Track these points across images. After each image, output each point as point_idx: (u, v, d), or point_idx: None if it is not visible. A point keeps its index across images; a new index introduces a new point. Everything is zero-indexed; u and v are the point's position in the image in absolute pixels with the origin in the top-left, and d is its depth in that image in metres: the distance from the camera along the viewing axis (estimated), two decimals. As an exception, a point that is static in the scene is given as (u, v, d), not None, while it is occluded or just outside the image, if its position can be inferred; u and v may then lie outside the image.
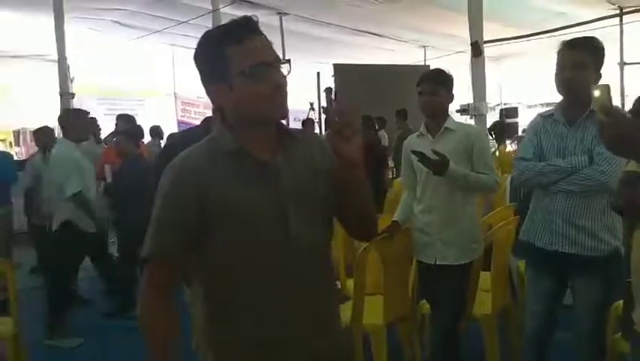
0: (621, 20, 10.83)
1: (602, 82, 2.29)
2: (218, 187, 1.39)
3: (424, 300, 3.22)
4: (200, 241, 1.41)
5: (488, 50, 7.43)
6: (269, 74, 1.39)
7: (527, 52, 13.44)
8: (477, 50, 4.87)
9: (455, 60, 12.30)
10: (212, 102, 1.50)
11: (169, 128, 11.52)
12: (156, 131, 9.08)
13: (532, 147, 2.59)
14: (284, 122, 1.52)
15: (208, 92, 1.47)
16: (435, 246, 2.93)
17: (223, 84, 1.40)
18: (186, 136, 2.47)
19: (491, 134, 7.53)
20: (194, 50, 1.48)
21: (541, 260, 2.57)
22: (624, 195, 1.86)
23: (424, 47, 13.59)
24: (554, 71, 2.51)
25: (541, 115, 2.67)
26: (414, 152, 2.84)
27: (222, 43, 1.39)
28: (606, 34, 10.58)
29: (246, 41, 1.39)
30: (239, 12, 9.93)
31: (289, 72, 1.45)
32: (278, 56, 1.43)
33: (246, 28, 1.40)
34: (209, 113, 12.90)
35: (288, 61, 1.46)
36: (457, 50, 12.55)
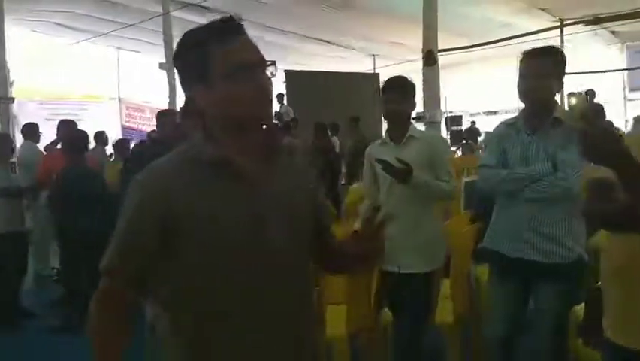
0: (562, 32, 11.25)
1: None
2: (192, 203, 1.29)
3: (386, 309, 3.20)
4: (170, 258, 1.31)
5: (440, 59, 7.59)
6: (253, 76, 1.32)
7: (470, 61, 13.76)
8: (431, 58, 4.93)
9: (405, 69, 12.47)
10: (191, 106, 1.43)
11: (113, 133, 11.18)
12: (100, 138, 8.70)
13: (495, 154, 2.60)
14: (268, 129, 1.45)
15: (188, 95, 1.40)
16: (399, 254, 2.90)
17: (205, 86, 1.32)
18: (157, 144, 2.37)
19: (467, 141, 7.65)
20: (175, 50, 1.40)
21: (506, 267, 2.58)
22: (591, 202, 1.89)
23: (373, 55, 13.73)
24: (516, 80, 2.53)
25: (504, 123, 2.69)
26: (378, 160, 2.82)
27: (205, 43, 1.32)
28: (548, 44, 10.97)
29: (230, 41, 1.32)
30: (189, 16, 9.80)
31: (274, 74, 1.38)
32: (263, 58, 1.36)
33: (230, 28, 1.33)
34: (155, 119, 12.55)
35: (274, 63, 1.37)
36: (406, 58, 12.73)
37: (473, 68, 14.22)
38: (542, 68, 2.45)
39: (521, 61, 2.54)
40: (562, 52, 2.57)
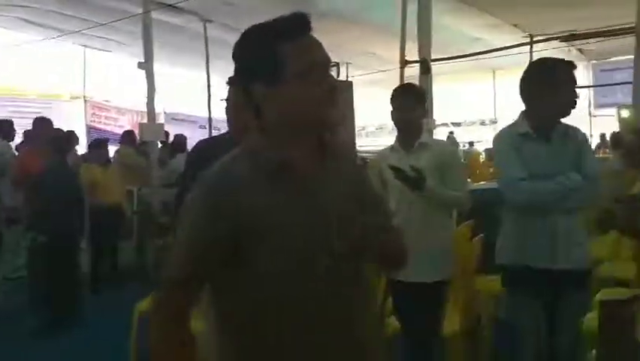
0: (531, 47, 11.50)
1: None
2: (260, 209, 1.24)
3: (392, 317, 3.15)
4: (237, 266, 1.25)
5: (409, 70, 7.65)
6: (326, 77, 1.27)
7: (443, 73, 13.94)
8: (425, 67, 4.95)
9: (379, 78, 12.56)
10: (248, 104, 1.32)
11: (77, 133, 10.83)
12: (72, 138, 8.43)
13: (520, 165, 2.53)
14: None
15: (247, 93, 1.30)
16: (410, 263, 2.86)
17: (272, 85, 1.26)
18: (214, 145, 2.28)
19: None
20: (235, 46, 1.32)
21: (534, 281, 2.53)
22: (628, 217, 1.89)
23: (346, 63, 13.75)
24: (557, 91, 2.48)
25: (518, 132, 2.61)
26: (391, 167, 2.77)
27: (275, 40, 1.26)
28: (518, 59, 11.25)
29: (302, 40, 1.27)
30: (162, 17, 9.61)
31: (338, 76, 1.33)
32: (330, 58, 1.31)
33: (301, 25, 1.28)
34: (122, 119, 12.28)
35: (337, 64, 1.34)
36: (378, 68, 12.81)
37: (446, 79, 14.40)
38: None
39: (550, 71, 2.54)
40: None
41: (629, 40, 6.68)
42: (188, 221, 1.27)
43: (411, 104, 2.91)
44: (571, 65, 2.53)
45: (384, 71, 11.63)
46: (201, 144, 2.78)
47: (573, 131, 2.59)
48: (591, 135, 13.49)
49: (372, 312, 1.47)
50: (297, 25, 1.28)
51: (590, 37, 10.73)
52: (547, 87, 2.48)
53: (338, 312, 1.30)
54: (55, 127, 5.86)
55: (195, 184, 1.29)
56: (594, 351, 2.43)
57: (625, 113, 1.71)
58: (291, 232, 1.25)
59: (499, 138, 2.73)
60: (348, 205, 1.33)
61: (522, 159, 2.54)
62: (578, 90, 2.49)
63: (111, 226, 6.08)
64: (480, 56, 11.26)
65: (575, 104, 2.51)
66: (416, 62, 8.43)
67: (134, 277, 5.90)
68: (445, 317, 3.10)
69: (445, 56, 11.14)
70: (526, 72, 2.61)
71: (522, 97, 2.61)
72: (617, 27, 9.13)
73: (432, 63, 5.51)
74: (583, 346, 2.59)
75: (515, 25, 11.17)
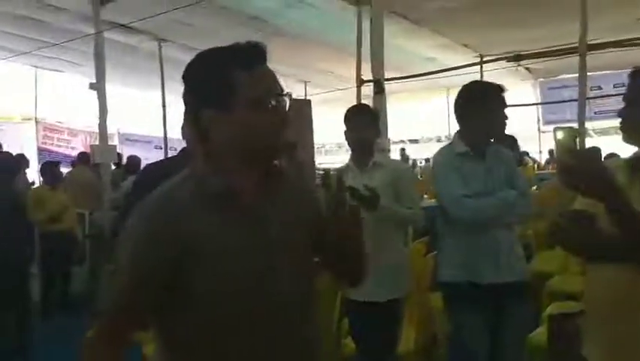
0: (481, 67, 11.82)
1: None
2: (202, 236, 1.23)
3: (349, 338, 3.15)
4: (176, 293, 1.24)
5: (366, 89, 7.76)
6: (277, 107, 1.29)
7: (400, 92, 14.19)
8: (379, 87, 5.03)
9: (337, 96, 12.66)
10: (199, 130, 1.30)
11: (29, 156, 10.54)
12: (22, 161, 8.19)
13: (462, 183, 2.62)
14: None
15: (196, 118, 1.29)
16: (364, 282, 2.87)
17: (223, 112, 1.25)
18: (163, 168, 2.20)
19: None
20: (187, 67, 1.32)
21: (479, 296, 2.59)
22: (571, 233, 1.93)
23: (304, 82, 13.84)
24: (488, 112, 2.60)
25: (456, 152, 2.70)
26: (347, 187, 2.79)
27: (230, 66, 1.26)
28: (470, 78, 11.55)
29: (256, 68, 1.28)
30: (115, 36, 9.49)
31: (289, 106, 1.34)
32: (283, 88, 1.33)
33: (257, 54, 1.29)
34: (74, 140, 11.97)
35: (290, 94, 1.34)
36: (336, 87, 12.93)
37: (403, 98, 14.65)
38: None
39: (491, 95, 2.65)
40: None
41: (575, 59, 7.00)
42: (128, 249, 1.25)
43: (364, 124, 2.96)
44: (500, 89, 2.67)
45: (342, 89, 11.75)
46: (150, 167, 2.75)
47: (502, 151, 2.76)
48: (540, 151, 13.92)
49: (317, 332, 1.47)
50: (253, 55, 1.29)
51: (536, 57, 11.11)
52: (477, 109, 2.61)
53: (283, 333, 1.30)
54: (3, 150, 5.69)
55: (136, 210, 1.27)
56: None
57: (560, 135, 1.77)
58: (232, 257, 1.24)
59: (439, 157, 2.83)
60: (293, 232, 1.34)
61: (462, 177, 2.63)
62: (507, 112, 2.64)
63: (63, 251, 5.92)
64: (433, 75, 11.56)
65: (505, 125, 2.65)
66: (371, 81, 8.60)
67: (87, 302, 5.74)
68: (400, 335, 3.13)
69: (401, 76, 11.41)
70: (459, 95, 2.73)
71: (456, 118, 2.74)
72: (562, 47, 9.52)
73: (387, 82, 5.60)
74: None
75: (466, 46, 11.48)
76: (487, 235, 2.59)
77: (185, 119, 2.11)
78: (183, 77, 1.32)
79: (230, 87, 1.25)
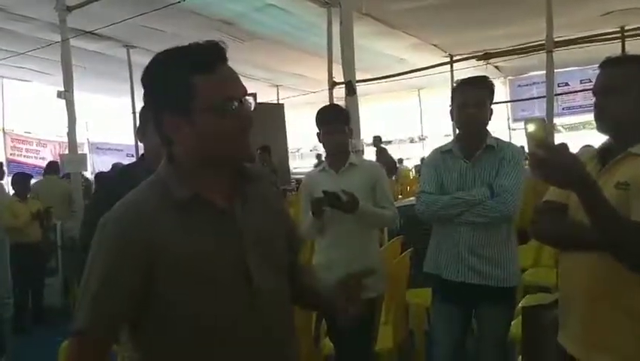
0: (452, 67, 11.95)
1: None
2: (171, 243, 1.20)
3: (327, 339, 3.15)
4: (150, 304, 1.21)
5: (338, 91, 7.78)
6: (240, 110, 1.23)
7: (372, 93, 14.27)
8: (351, 89, 5.05)
9: (309, 99, 12.67)
10: (161, 134, 1.28)
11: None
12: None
13: (433, 181, 2.67)
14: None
15: (158, 124, 1.26)
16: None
17: (184, 117, 1.21)
18: (125, 176, 2.07)
19: None
20: (145, 70, 1.26)
21: (449, 292, 2.64)
22: (544, 224, 1.96)
23: (277, 85, 13.83)
24: (454, 108, 2.63)
25: (439, 150, 2.78)
26: (324, 192, 2.78)
27: (188, 69, 1.21)
28: (441, 77, 11.68)
29: (216, 70, 1.22)
30: (83, 43, 9.35)
31: (254, 107, 1.30)
32: (246, 89, 1.28)
33: (216, 54, 1.24)
34: (43, 151, 11.80)
35: (254, 95, 1.29)
36: (308, 90, 12.94)
37: (375, 99, 14.72)
38: (480, 96, 2.57)
39: (457, 89, 2.65)
40: (492, 82, 2.72)
41: (542, 56, 7.13)
42: (96, 262, 1.21)
43: (340, 127, 2.96)
44: (465, 82, 2.67)
45: (314, 92, 11.76)
46: (109, 174, 2.67)
47: (499, 149, 2.63)
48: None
49: (293, 335, 1.45)
50: (211, 56, 1.23)
51: (503, 55, 11.30)
52: (452, 108, 2.67)
53: (259, 336, 1.29)
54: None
55: (103, 221, 1.23)
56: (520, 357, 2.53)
57: (531, 128, 1.79)
58: (203, 263, 1.22)
59: (429, 154, 2.89)
60: (265, 235, 1.33)
61: (441, 175, 2.65)
62: (479, 109, 2.58)
63: (36, 264, 5.81)
64: (405, 76, 11.65)
65: (473, 120, 2.60)
66: (343, 83, 8.64)
67: (60, 315, 5.63)
68: (377, 333, 3.14)
69: (372, 77, 11.47)
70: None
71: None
72: (530, 44, 9.69)
73: (358, 84, 5.62)
74: (510, 354, 2.67)
75: (435, 45, 11.58)
76: (451, 234, 2.60)
77: (142, 123, 2.07)
78: (142, 80, 1.27)
79: (189, 92, 1.20)
